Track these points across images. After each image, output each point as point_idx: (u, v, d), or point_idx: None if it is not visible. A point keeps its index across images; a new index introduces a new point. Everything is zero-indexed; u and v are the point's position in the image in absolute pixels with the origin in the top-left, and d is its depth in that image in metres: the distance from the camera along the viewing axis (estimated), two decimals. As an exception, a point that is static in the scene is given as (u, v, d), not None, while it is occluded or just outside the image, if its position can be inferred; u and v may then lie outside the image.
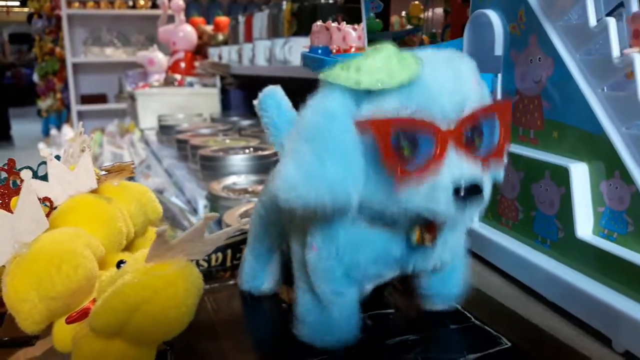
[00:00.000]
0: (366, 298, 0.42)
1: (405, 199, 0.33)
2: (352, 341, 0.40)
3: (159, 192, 1.35)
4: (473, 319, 0.45)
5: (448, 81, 0.33)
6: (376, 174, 0.33)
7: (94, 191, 0.47)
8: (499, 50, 0.53)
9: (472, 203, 0.32)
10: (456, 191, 0.32)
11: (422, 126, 0.32)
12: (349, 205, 0.33)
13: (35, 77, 5.09)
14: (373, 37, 0.80)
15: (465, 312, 0.46)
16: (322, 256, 0.38)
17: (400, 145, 0.32)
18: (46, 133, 4.75)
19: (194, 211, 1.12)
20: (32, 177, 0.44)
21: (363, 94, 0.33)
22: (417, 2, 0.86)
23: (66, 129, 3.88)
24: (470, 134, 0.33)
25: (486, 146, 0.34)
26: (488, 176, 0.34)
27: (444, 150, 0.32)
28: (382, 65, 0.32)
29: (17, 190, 0.41)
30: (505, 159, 0.37)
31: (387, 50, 0.33)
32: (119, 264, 0.38)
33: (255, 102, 0.48)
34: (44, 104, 5.01)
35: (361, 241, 0.38)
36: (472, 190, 0.32)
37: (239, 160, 1.20)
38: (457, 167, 0.32)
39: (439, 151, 0.32)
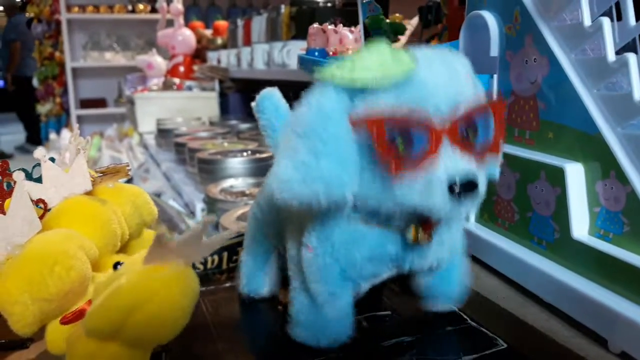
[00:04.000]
0: (363, 300, 0.42)
1: (401, 195, 0.33)
2: (346, 342, 0.40)
3: (157, 195, 1.35)
4: (469, 321, 0.45)
5: (442, 78, 0.33)
6: (371, 169, 0.33)
7: (88, 193, 0.47)
8: (494, 51, 0.53)
9: (468, 199, 0.32)
10: (451, 187, 0.32)
11: (416, 123, 0.32)
12: (344, 202, 0.33)
13: (35, 82, 5.09)
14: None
15: (461, 314, 0.46)
16: (318, 255, 0.38)
17: (394, 141, 0.32)
18: (46, 137, 4.74)
19: (192, 214, 1.11)
20: (27, 179, 0.44)
21: (358, 90, 0.33)
22: (397, 15, 0.86)
23: (65, 133, 3.87)
24: (464, 130, 0.33)
25: (481, 142, 0.34)
26: (483, 172, 0.34)
27: (438, 147, 0.32)
28: (376, 62, 0.32)
29: (10, 192, 0.41)
30: (501, 155, 0.37)
31: (381, 48, 0.33)
32: (116, 265, 0.38)
33: (253, 104, 0.48)
34: (43, 108, 5.01)
35: (357, 239, 0.37)
36: (467, 186, 0.32)
37: (236, 163, 1.19)
38: (452, 163, 0.32)
39: (433, 147, 0.32)
